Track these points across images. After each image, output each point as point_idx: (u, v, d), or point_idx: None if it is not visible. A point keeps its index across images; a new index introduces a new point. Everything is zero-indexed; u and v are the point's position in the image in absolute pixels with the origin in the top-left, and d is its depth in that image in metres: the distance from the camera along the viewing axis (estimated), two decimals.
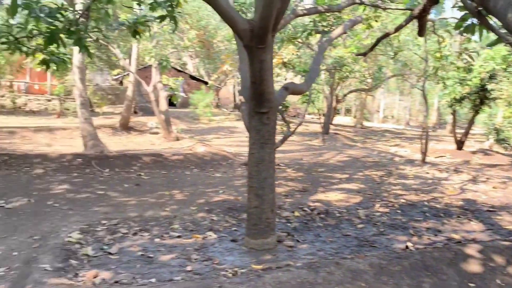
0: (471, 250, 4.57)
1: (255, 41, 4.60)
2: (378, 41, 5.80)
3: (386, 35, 5.61)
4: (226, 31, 23.42)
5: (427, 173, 10.79)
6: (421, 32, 5.05)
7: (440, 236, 5.55)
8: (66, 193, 7.21)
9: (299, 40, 9.49)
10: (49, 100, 24.17)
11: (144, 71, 24.81)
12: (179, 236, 5.34)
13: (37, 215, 6.11)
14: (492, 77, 13.47)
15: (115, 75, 25.26)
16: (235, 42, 20.71)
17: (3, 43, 6.28)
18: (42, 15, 5.73)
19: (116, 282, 3.87)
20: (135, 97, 19.61)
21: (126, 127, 17.13)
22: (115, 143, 13.72)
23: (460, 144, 18.23)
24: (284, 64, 11.20)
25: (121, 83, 27.49)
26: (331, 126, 24.95)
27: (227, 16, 4.65)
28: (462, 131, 17.61)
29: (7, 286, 3.82)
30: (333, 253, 4.85)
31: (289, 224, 5.99)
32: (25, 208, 6.41)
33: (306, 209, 6.65)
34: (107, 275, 4.03)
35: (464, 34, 4.37)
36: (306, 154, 14.32)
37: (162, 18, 6.01)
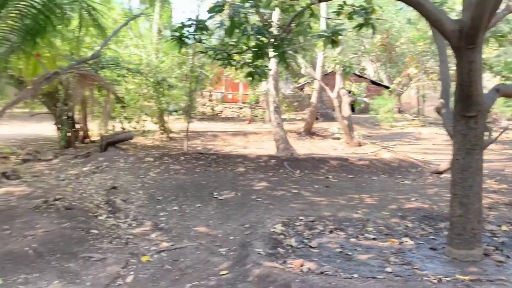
0: None
1: (464, 41, 4.41)
2: None
3: None
4: (411, 33, 22.37)
5: None
6: None
7: None
8: (265, 190, 8.04)
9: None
10: (240, 108, 27.01)
11: (325, 78, 25.56)
12: (374, 239, 5.42)
13: (243, 206, 6.99)
14: None
15: (298, 83, 26.65)
16: (419, 44, 19.58)
17: (219, 59, 7.39)
18: (251, 32, 6.55)
19: (321, 273, 4.18)
20: (317, 104, 20.41)
21: (309, 132, 17.96)
22: (300, 147, 14.54)
23: None
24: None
25: (301, 90, 28.87)
26: None
27: (433, 18, 4.58)
28: None
29: (230, 263, 4.52)
30: None
31: (495, 238, 5.47)
32: (233, 200, 7.41)
33: None
34: (312, 265, 4.39)
35: None
36: (508, 164, 12.66)
37: (360, 26, 6.22)
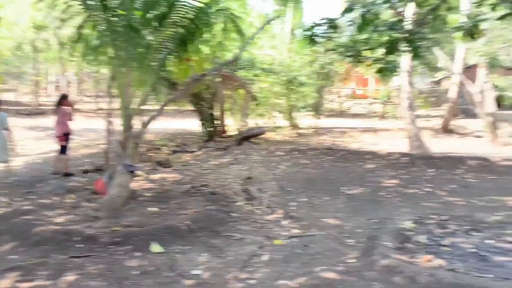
0: None
1: None
2: None
3: None
4: None
5: None
6: None
7: None
8: (395, 187, 7.95)
9: None
10: (370, 104, 26.36)
11: (467, 71, 23.46)
12: None
13: (372, 202, 7.05)
14: None
15: (436, 78, 24.97)
16: None
17: (349, 56, 7.54)
18: (383, 28, 6.57)
19: (451, 269, 4.13)
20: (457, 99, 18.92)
21: (446, 129, 16.80)
22: (436, 145, 13.75)
23: None
24: None
25: (439, 85, 26.94)
26: None
27: None
28: None
29: (357, 253, 4.72)
30: None
31: None
32: (362, 196, 7.51)
33: None
34: (442, 262, 4.34)
35: None
36: None
37: (503, 17, 5.83)
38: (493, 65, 14.64)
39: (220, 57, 12.04)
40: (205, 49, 10.96)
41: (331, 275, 4.03)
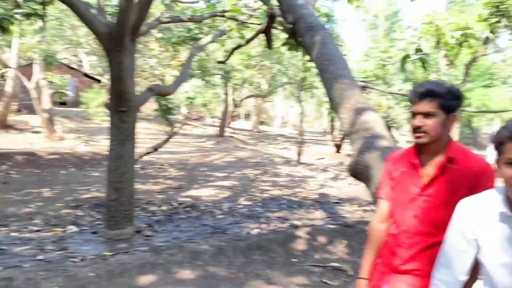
0: (301, 232, 5.40)
1: (113, 44, 4.95)
2: (233, 51, 6.49)
3: (239, 46, 6.32)
4: None
5: (299, 172, 11.92)
6: (269, 45, 5.82)
7: (286, 223, 6.37)
8: None
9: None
10: None
11: (28, 67, 23.28)
12: (38, 230, 5.44)
13: None
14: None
15: None
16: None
17: None
18: None
19: None
20: (17, 94, 18.41)
21: (5, 125, 16.04)
22: None
23: (338, 148, 20.15)
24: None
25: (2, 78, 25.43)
26: (229, 130, 25.84)
27: (86, 19, 4.94)
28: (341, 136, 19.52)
29: None
30: (185, 240, 5.35)
31: (153, 217, 6.38)
32: None
33: (173, 204, 7.10)
34: None
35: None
36: (195, 155, 14.79)
37: (28, 15, 6.05)
38: (49, 62, 15.19)
39: None
40: None
41: None
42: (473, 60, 7.85)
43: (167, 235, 5.59)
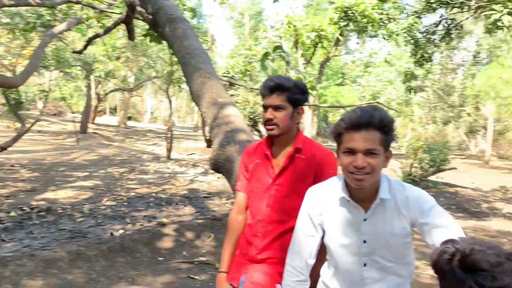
0: (168, 229, 5.30)
1: None
2: (89, 41, 6.05)
3: (97, 36, 5.91)
4: None
5: (168, 168, 11.71)
6: (130, 36, 5.54)
7: (154, 221, 6.18)
8: None
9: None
10: None
11: None
12: None
13: None
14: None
15: None
16: None
17: None
18: None
19: None
20: None
21: None
22: None
23: (209, 142, 20.34)
24: None
25: None
26: (93, 126, 24.14)
27: None
28: None
29: None
30: (39, 248, 4.82)
31: (0, 225, 5.62)
32: None
33: (25, 208, 6.35)
34: None
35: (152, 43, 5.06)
36: (52, 153, 13.46)
37: None
38: None
39: None
40: None
41: None
42: (327, 60, 8.60)
43: (17, 243, 4.97)
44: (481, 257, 1.02)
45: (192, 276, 4.28)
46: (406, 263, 1.60)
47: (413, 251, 1.62)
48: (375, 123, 1.44)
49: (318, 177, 1.87)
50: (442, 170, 11.90)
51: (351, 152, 1.46)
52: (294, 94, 1.89)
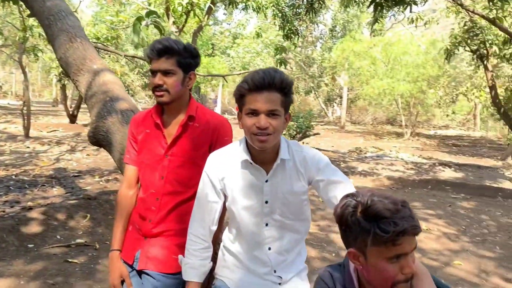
0: (35, 213, 4.79)
1: None
2: None
3: None
4: None
5: (28, 147, 10.50)
6: None
7: (17, 206, 5.52)
8: None
9: None
10: None
11: None
12: None
13: None
14: None
15: None
16: None
17: None
18: None
19: None
20: None
21: None
22: None
23: (73, 118, 18.73)
24: None
25: None
26: None
27: None
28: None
29: None
30: None
31: None
32: None
33: None
34: None
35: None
36: None
37: None
38: None
39: None
40: None
41: None
42: (199, 29, 8.47)
43: None
44: (381, 206, 1.13)
45: (70, 260, 3.97)
46: (304, 219, 1.71)
47: (309, 208, 1.72)
48: (276, 84, 1.47)
49: (214, 145, 1.85)
50: (308, 136, 12.92)
51: (254, 113, 1.48)
52: (185, 58, 1.81)
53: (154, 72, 1.81)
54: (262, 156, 1.58)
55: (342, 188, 1.58)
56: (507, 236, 5.54)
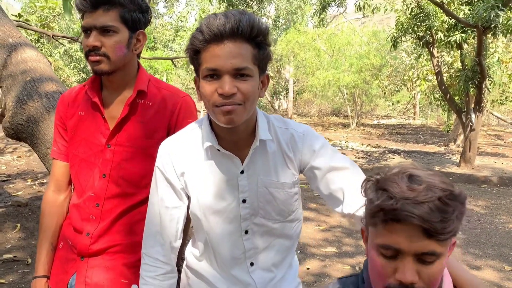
0: None
1: None
2: None
3: None
4: None
5: None
6: None
7: None
8: None
9: None
10: None
11: None
12: None
13: None
14: None
15: None
16: None
17: None
18: None
19: None
20: None
21: None
22: None
23: None
24: None
25: None
26: None
27: None
28: None
29: None
30: None
31: None
32: None
33: None
34: None
35: None
36: None
37: None
38: None
39: None
40: None
41: None
42: None
43: None
44: (398, 179, 0.84)
45: None
46: (294, 219, 1.26)
47: (301, 204, 1.30)
48: (244, 30, 1.01)
49: (172, 129, 1.38)
50: None
51: (215, 75, 1.02)
52: (131, 12, 1.31)
53: (87, 30, 1.30)
54: (233, 138, 1.12)
55: (348, 177, 1.17)
56: (465, 220, 5.50)
